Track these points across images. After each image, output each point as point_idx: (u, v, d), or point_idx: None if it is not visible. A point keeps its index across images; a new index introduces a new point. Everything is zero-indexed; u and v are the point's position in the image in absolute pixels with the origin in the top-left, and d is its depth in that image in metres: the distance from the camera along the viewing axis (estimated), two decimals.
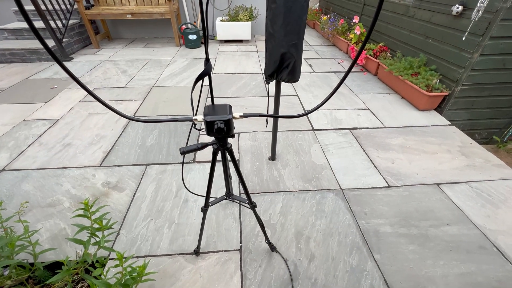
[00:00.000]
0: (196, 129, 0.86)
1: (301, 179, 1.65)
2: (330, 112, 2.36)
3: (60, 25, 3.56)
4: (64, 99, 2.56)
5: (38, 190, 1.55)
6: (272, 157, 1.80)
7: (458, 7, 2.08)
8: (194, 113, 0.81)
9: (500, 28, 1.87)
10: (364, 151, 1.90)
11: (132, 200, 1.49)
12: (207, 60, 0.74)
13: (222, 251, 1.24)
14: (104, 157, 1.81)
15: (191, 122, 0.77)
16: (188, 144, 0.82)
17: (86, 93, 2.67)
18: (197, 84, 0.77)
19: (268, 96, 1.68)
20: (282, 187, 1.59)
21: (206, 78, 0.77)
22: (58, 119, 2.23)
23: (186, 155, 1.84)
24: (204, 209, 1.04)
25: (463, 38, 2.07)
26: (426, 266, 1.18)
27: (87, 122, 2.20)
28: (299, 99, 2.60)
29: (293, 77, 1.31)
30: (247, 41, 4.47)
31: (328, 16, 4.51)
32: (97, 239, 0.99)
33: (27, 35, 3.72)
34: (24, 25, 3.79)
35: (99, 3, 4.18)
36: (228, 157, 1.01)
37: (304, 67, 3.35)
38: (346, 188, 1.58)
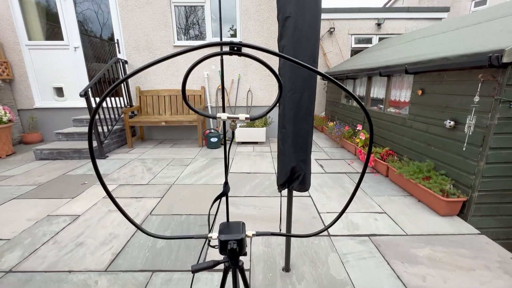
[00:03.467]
0: (210, 246, 0.88)
1: None
2: (346, 216, 2.30)
3: (105, 129, 4.26)
4: (90, 195, 2.74)
5: None
6: (287, 268, 1.66)
7: (450, 122, 2.34)
8: (210, 230, 0.85)
9: (496, 140, 2.02)
10: (388, 263, 1.72)
11: None
12: (225, 184, 0.85)
13: None
14: (112, 260, 1.76)
15: (206, 240, 0.81)
16: (200, 262, 0.83)
17: (111, 189, 2.87)
18: (215, 202, 0.85)
19: (281, 196, 1.71)
20: None
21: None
22: (79, 215, 2.33)
23: (194, 261, 1.75)
24: None
25: (464, 148, 2.21)
26: None
27: (104, 219, 2.27)
28: (312, 200, 2.62)
29: (304, 186, 1.40)
30: (262, 143, 4.96)
31: (334, 122, 5.10)
32: None
33: (77, 137, 4.41)
34: (77, 129, 4.56)
35: (141, 113, 5.09)
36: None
37: (315, 167, 3.53)
38: None
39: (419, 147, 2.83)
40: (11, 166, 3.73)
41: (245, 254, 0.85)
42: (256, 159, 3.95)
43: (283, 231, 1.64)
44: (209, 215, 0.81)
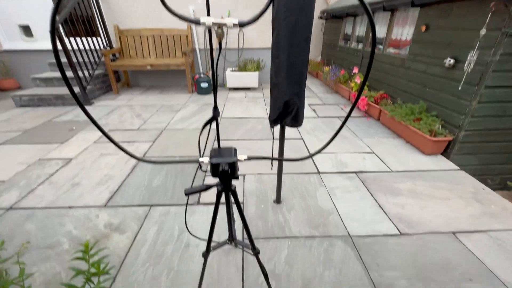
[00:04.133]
0: (202, 170, 0.88)
1: (307, 225, 1.58)
2: (335, 156, 2.38)
3: (87, 74, 3.96)
4: (80, 140, 2.70)
5: (40, 231, 1.53)
6: (278, 200, 1.77)
7: (450, 60, 2.24)
8: (201, 155, 0.84)
9: (493, 78, 1.98)
10: (372, 195, 1.85)
11: (132, 243, 1.45)
12: (215, 108, 0.81)
13: None
14: (110, 197, 1.82)
15: (197, 164, 0.81)
16: (194, 186, 0.84)
17: (101, 134, 2.82)
18: (205, 128, 0.82)
19: (273, 139, 1.73)
20: (288, 232, 1.53)
21: (214, 123, 0.83)
22: (71, 159, 2.32)
23: (190, 197, 1.83)
24: (206, 255, 1.00)
25: (459, 88, 2.17)
26: None
27: (98, 162, 2.28)
28: (304, 142, 2.66)
29: (296, 122, 1.37)
30: (254, 89, 4.79)
31: (330, 67, 4.88)
32: (92, 286, 0.94)
33: (56, 83, 4.12)
34: (55, 74, 4.24)
35: (123, 56, 4.69)
36: (232, 200, 1.01)
37: (308, 112, 3.50)
38: (355, 235, 1.50)
39: (415, 89, 2.78)
40: None
41: (237, 178, 0.87)
42: (249, 105, 3.86)
43: (276, 164, 1.69)
44: (199, 141, 0.79)
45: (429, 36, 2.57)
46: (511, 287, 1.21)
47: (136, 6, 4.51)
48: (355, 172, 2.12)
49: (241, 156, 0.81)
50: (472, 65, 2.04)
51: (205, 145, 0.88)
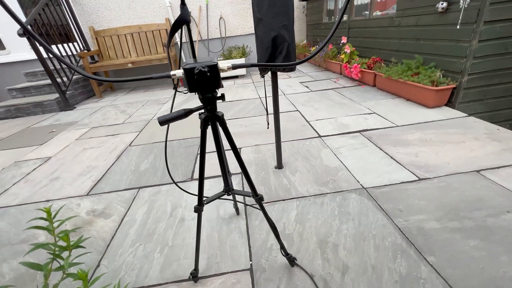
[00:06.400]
0: (178, 91, 0.71)
1: (315, 183, 1.41)
2: (335, 120, 2.22)
3: (65, 79, 3.75)
4: (60, 140, 2.49)
5: (13, 227, 1.33)
6: (279, 166, 1.60)
7: (442, 3, 2.11)
8: (171, 69, 0.67)
9: (491, 12, 1.85)
10: (380, 149, 1.69)
11: (119, 226, 1.26)
12: (183, 4, 0.64)
13: (227, 273, 0.96)
14: (93, 186, 1.63)
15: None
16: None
17: (83, 132, 2.62)
18: (175, 34, 0.65)
19: (268, 114, 1.54)
20: (294, 193, 1.35)
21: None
22: (51, 157, 2.12)
23: (183, 172, 1.65)
24: (198, 208, 0.82)
25: (457, 27, 2.04)
26: (501, 264, 0.88)
27: (79, 156, 2.08)
28: (300, 113, 2.50)
29: (289, 60, 1.21)
30: (242, 76, 4.63)
31: (317, 46, 4.75)
32: (62, 263, 0.76)
33: (34, 92, 3.90)
34: (32, 83, 4.02)
35: (103, 58, 4.50)
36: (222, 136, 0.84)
37: (301, 88, 3.35)
38: (370, 187, 1.34)
39: (408, 46, 2.65)
40: None
41: (223, 98, 0.70)
42: (238, 90, 3.69)
43: (272, 126, 1.52)
44: (168, 52, 0.62)
45: None
46: None
47: (110, 4, 4.33)
48: (359, 131, 1.97)
49: (224, 64, 0.64)
50: (468, 0, 1.91)
51: (180, 58, 0.71)
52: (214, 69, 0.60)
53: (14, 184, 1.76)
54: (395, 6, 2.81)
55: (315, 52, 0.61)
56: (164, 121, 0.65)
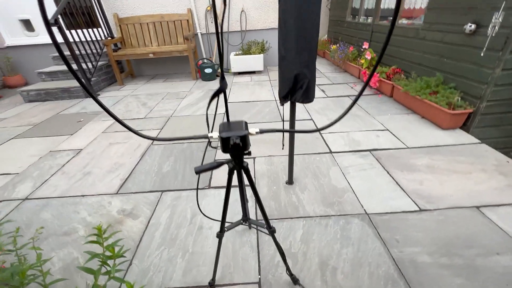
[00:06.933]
0: (212, 147, 0.84)
1: (321, 204, 1.54)
2: (347, 134, 2.29)
3: (90, 66, 3.92)
4: (88, 131, 2.70)
5: (55, 219, 1.55)
6: (290, 181, 1.73)
7: (471, 26, 2.07)
8: (210, 131, 0.79)
9: None
10: (387, 172, 1.78)
11: (146, 227, 1.45)
12: (222, 78, 0.74)
13: (238, 283, 1.13)
14: (121, 184, 1.82)
15: (207, 141, 0.76)
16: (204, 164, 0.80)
17: (108, 124, 2.81)
18: (212, 101, 0.77)
19: (283, 121, 1.66)
20: (302, 212, 1.49)
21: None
22: (81, 149, 2.33)
23: (201, 180, 1.81)
24: (220, 235, 0.97)
25: (482, 54, 2.01)
26: None
27: (107, 151, 2.27)
28: (313, 122, 2.57)
29: (308, 97, 1.30)
30: (260, 72, 4.66)
31: (337, 45, 4.67)
32: (109, 269, 0.94)
33: (62, 76, 4.12)
34: (60, 68, 4.22)
35: (125, 45, 4.62)
36: (245, 178, 0.97)
37: (317, 93, 3.38)
38: (372, 213, 1.45)
39: (430, 61, 2.62)
40: (0, 110, 3.59)
41: (249, 154, 0.82)
42: (255, 88, 3.76)
43: (286, 145, 1.63)
44: (207, 115, 0.73)
45: (446, 1, 2.37)
46: None
47: None
48: (369, 150, 2.05)
49: (252, 129, 0.76)
50: (496, 28, 1.87)
51: (214, 121, 0.83)
52: (244, 138, 0.72)
53: (52, 175, 1.98)
54: (422, 17, 2.74)
55: (335, 121, 0.71)
56: (200, 171, 0.78)
